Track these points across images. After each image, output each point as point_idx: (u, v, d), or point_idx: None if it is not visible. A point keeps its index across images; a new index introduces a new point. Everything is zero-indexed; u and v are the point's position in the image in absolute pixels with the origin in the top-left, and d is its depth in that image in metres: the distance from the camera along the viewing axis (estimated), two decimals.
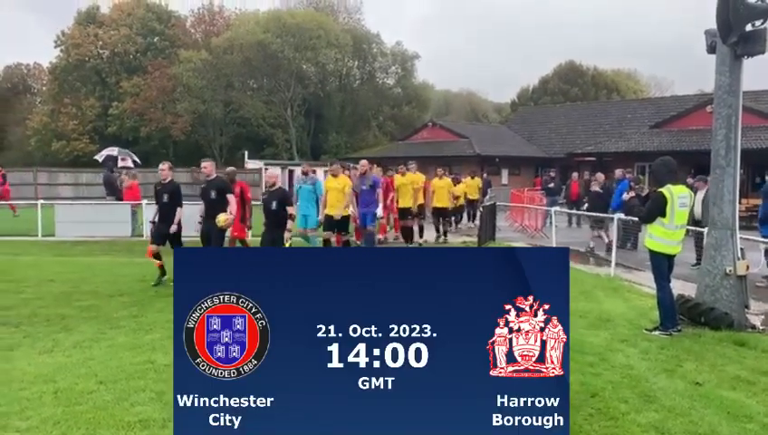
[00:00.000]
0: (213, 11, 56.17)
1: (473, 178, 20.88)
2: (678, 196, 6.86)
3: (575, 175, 20.97)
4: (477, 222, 17.79)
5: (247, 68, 47.85)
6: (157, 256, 9.80)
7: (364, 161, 12.70)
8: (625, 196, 13.35)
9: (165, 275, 9.56)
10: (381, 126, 54.53)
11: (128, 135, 47.84)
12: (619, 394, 4.92)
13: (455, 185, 18.13)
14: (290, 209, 8.98)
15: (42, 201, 18.51)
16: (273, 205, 8.93)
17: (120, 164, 24.67)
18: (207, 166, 9.69)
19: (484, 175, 25.88)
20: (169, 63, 48.62)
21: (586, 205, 15.90)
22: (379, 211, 12.42)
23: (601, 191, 15.36)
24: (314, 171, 13.10)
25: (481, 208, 16.39)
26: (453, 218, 18.33)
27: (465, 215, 20.30)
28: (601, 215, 14.03)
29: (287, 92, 48.83)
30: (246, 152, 43.01)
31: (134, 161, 26.32)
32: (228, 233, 10.54)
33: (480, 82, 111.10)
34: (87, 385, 5.03)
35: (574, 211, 17.83)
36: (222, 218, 9.14)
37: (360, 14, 59.58)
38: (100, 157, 26.33)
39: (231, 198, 9.53)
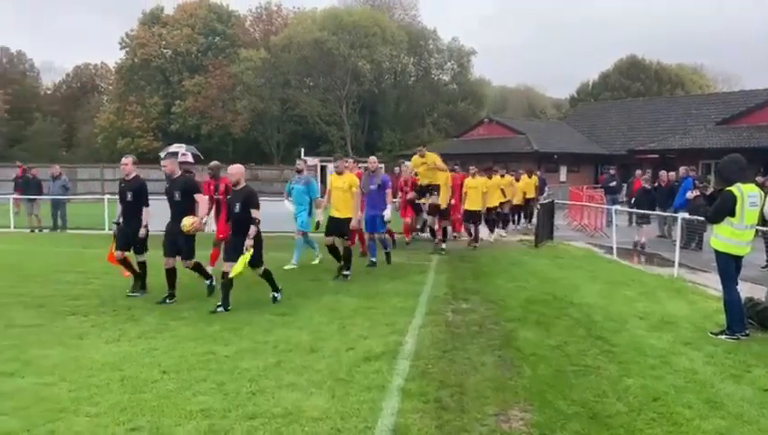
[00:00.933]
0: (271, 10, 57.13)
1: (530, 175, 19.88)
2: (748, 195, 6.58)
3: (638, 172, 20.30)
4: (534, 221, 17.49)
5: (304, 66, 48.45)
6: (124, 262, 8.66)
7: (373, 158, 11.37)
8: (689, 194, 12.96)
9: (144, 286, 8.66)
10: (436, 123, 54.30)
11: (190, 132, 49.22)
12: (682, 399, 4.76)
13: (516, 181, 17.74)
14: (255, 213, 7.72)
15: (108, 196, 19.25)
16: (237, 207, 7.78)
17: (180, 159, 25.34)
18: (167, 164, 8.49)
19: (539, 173, 24.91)
20: (229, 62, 49.77)
21: (632, 201, 16.00)
22: (388, 213, 10.91)
23: (648, 187, 15.40)
24: (301, 169, 11.38)
25: (538, 206, 16.12)
26: (510, 217, 17.81)
27: (520, 214, 19.44)
28: (648, 212, 14.25)
29: (342, 90, 49.20)
30: (303, 149, 43.58)
31: (195, 155, 26.93)
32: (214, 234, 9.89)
33: (538, 77, 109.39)
34: (151, 374, 5.21)
35: (636, 210, 17.32)
36: (187, 223, 7.95)
37: (415, 10, 59.49)
38: (163, 153, 27.15)
39: (200, 198, 8.35)
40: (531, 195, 19.30)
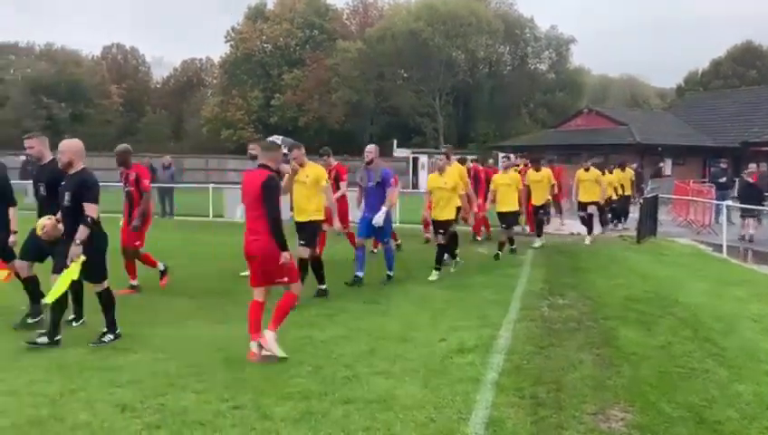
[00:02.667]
0: (367, 2, 57.73)
1: (623, 169, 17.22)
2: None
3: (752, 166, 18.92)
4: (627, 223, 16.49)
5: (398, 57, 48.65)
6: (28, 279, 6.52)
7: (371, 146, 9.06)
8: None
9: (39, 307, 6.46)
10: (532, 113, 53.06)
11: (287, 125, 50.70)
12: None
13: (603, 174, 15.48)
14: (89, 208, 5.60)
15: (212, 185, 20.22)
16: (66, 198, 5.66)
17: (284, 150, 26.28)
18: (33, 143, 6.30)
19: (635, 166, 21.31)
20: (326, 55, 50.78)
21: (735, 194, 15.12)
22: (379, 217, 8.60)
23: (751, 181, 14.94)
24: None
25: (640, 201, 15.36)
26: (607, 216, 16.04)
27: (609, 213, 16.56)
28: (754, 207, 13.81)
29: (436, 81, 49.01)
30: (395, 141, 43.90)
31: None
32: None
33: (641, 66, 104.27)
34: None
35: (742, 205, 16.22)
36: (40, 224, 6.01)
37: None
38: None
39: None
40: (626, 191, 16.88)
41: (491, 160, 20.22)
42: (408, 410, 4.25)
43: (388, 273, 9.00)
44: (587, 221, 13.82)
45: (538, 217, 12.93)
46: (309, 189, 7.78)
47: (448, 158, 9.95)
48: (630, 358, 5.44)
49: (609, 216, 16.13)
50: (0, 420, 4.02)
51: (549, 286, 8.62)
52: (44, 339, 5.60)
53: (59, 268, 5.67)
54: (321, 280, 7.98)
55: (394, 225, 10.73)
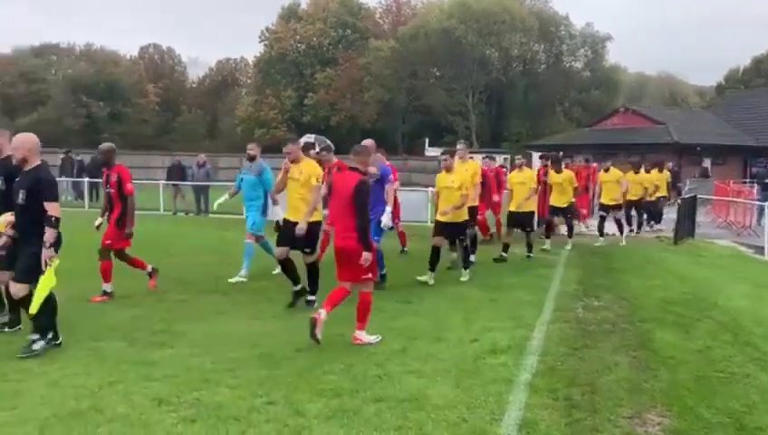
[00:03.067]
0: (400, 1, 57.72)
1: (660, 170, 16.42)
2: None
3: None
4: (661, 223, 16.12)
5: (431, 56, 48.55)
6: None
7: (368, 141, 7.88)
8: None
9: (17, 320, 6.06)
10: (567, 111, 52.44)
11: (320, 124, 51.04)
12: None
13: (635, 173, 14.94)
14: (52, 208, 5.27)
15: None
16: (21, 196, 5.33)
17: (317, 149, 26.47)
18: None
19: (671, 165, 20.51)
20: (358, 55, 50.94)
21: None
22: (386, 218, 7.84)
23: None
24: (254, 156, 9.18)
25: (678, 202, 15.04)
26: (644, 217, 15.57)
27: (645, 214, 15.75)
28: None
29: (469, 79, 48.76)
30: (427, 140, 43.82)
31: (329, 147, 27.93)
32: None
33: (679, 64, 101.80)
34: (285, 352, 5.48)
35: None
36: (2, 221, 5.59)
37: None
38: (301, 141, 28.34)
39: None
40: (662, 192, 16.01)
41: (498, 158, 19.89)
42: (439, 409, 4.24)
43: (381, 272, 8.17)
44: (619, 222, 13.60)
45: (567, 220, 12.46)
46: (303, 187, 7.21)
47: (453, 156, 9.13)
48: (668, 361, 5.33)
49: (645, 217, 15.73)
50: (43, 410, 4.13)
51: (583, 287, 8.50)
52: (41, 344, 5.35)
53: (23, 275, 5.33)
54: (311, 286, 7.26)
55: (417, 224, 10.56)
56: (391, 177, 8.25)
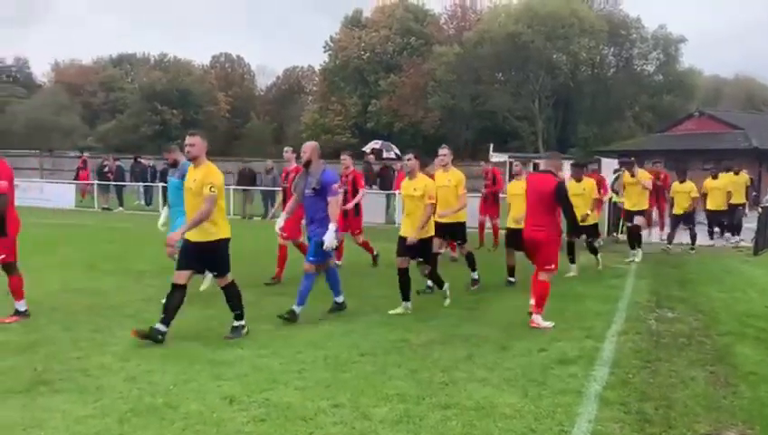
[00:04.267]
0: (466, 6, 57.52)
1: (737, 173, 14.97)
2: None
3: None
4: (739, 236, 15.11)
5: (496, 61, 48.05)
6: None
7: (309, 144, 7.10)
8: None
9: None
10: (637, 116, 50.79)
11: (383, 130, 51.34)
12: None
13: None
14: None
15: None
16: None
17: (384, 155, 26.79)
18: None
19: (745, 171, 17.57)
20: (423, 61, 51.00)
21: None
22: (329, 238, 6.65)
23: None
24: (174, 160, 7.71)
25: (758, 210, 14.26)
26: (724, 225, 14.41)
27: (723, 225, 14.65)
28: None
29: (535, 84, 47.98)
30: (492, 145, 43.34)
31: (396, 154, 28.11)
32: None
33: (760, 66, 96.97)
34: (350, 355, 5.54)
35: None
36: None
37: None
38: (367, 149, 28.63)
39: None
40: (738, 200, 14.45)
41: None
42: (507, 419, 4.18)
43: (336, 300, 7.26)
44: (693, 231, 13.00)
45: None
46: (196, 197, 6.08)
47: (418, 158, 7.50)
48: (748, 377, 5.08)
49: (717, 229, 14.76)
50: (122, 405, 4.33)
51: (656, 298, 8.21)
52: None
53: None
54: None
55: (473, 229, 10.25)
56: (334, 186, 6.83)
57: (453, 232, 8.70)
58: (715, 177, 13.35)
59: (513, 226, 8.85)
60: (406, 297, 7.30)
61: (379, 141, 30.41)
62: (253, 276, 9.13)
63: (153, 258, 8.35)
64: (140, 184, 24.17)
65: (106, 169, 23.58)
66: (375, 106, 52.34)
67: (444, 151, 8.65)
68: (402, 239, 7.23)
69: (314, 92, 64.19)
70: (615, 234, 13.67)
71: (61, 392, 4.53)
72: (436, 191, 7.44)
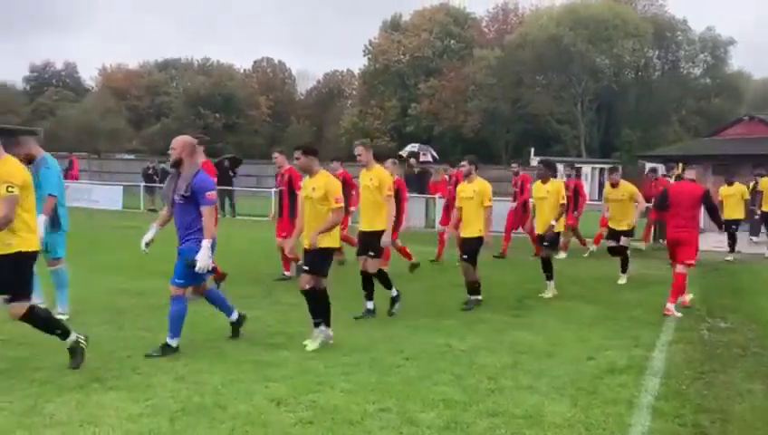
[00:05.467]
0: (508, 9, 57.09)
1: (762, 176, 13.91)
2: None
3: None
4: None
5: (538, 64, 47.57)
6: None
7: (179, 139, 5.78)
8: None
9: None
10: (683, 120, 49.60)
11: (423, 134, 51.27)
12: None
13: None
14: None
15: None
16: None
17: (422, 159, 26.62)
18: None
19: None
20: (463, 64, 50.79)
21: None
22: (201, 258, 5.42)
23: None
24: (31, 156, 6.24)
25: None
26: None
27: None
28: None
29: (578, 87, 47.33)
30: (533, 149, 42.88)
31: (433, 156, 27.96)
32: None
33: None
34: (395, 359, 5.53)
35: None
36: None
37: None
38: (404, 152, 28.56)
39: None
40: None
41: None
42: (557, 428, 4.11)
43: (231, 319, 6.11)
44: (734, 236, 12.58)
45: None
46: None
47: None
48: None
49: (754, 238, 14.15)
50: (172, 404, 4.39)
51: (706, 307, 8.00)
52: None
53: None
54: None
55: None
56: (208, 193, 5.55)
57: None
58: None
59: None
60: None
61: (416, 144, 30.36)
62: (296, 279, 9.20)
63: (234, 263, 8.53)
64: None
65: (151, 172, 24.10)
66: (415, 110, 52.31)
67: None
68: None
69: (353, 96, 64.52)
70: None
71: (113, 390, 4.62)
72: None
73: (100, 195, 23.68)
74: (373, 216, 7.20)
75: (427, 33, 53.58)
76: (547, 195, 8.62)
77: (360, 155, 7.29)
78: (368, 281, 7.26)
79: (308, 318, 6.01)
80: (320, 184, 5.94)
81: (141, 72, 64.18)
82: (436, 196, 16.14)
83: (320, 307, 5.96)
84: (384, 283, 7.32)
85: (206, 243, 5.47)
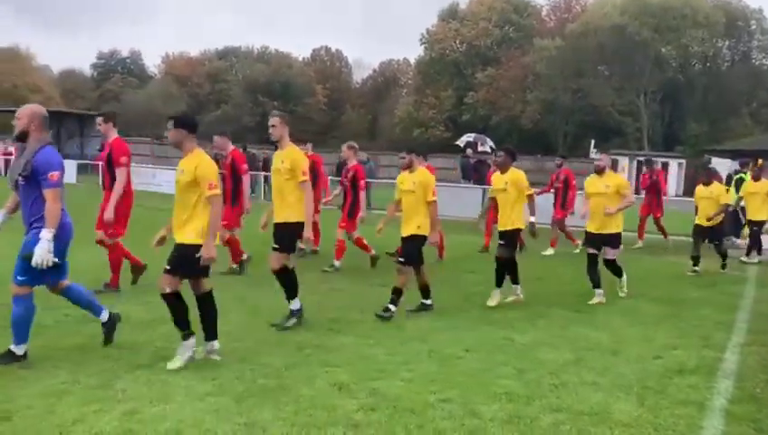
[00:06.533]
0: None
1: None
2: None
3: None
4: None
5: (600, 54, 46.31)
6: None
7: (26, 108, 4.79)
8: None
9: None
10: (755, 114, 47.48)
11: (479, 123, 50.72)
12: None
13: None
14: None
15: None
16: None
17: (480, 149, 26.27)
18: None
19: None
20: (522, 53, 49.89)
21: None
22: (39, 253, 4.44)
23: None
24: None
25: None
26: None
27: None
28: None
29: (641, 78, 45.84)
30: (593, 141, 41.82)
31: (491, 147, 27.49)
32: None
33: None
34: (455, 350, 5.48)
35: None
36: None
37: None
38: (460, 142, 28.20)
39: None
40: None
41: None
42: (624, 427, 4.00)
43: (12, 349, 4.73)
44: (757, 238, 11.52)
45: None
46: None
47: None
48: None
49: None
50: (238, 385, 4.48)
51: None
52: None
53: None
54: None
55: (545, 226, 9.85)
56: (51, 174, 4.55)
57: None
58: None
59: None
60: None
61: (473, 134, 29.89)
62: (357, 266, 9.28)
63: (257, 243, 8.64)
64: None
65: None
66: (471, 99, 51.74)
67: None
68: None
69: (409, 85, 64.31)
70: (734, 238, 12.70)
71: (180, 369, 4.74)
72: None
73: (163, 178, 24.41)
74: (283, 204, 6.08)
75: (486, 22, 52.83)
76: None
77: (273, 126, 6.08)
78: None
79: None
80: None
81: (202, 60, 65.66)
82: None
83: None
84: (289, 291, 6.16)
85: (45, 233, 4.50)
